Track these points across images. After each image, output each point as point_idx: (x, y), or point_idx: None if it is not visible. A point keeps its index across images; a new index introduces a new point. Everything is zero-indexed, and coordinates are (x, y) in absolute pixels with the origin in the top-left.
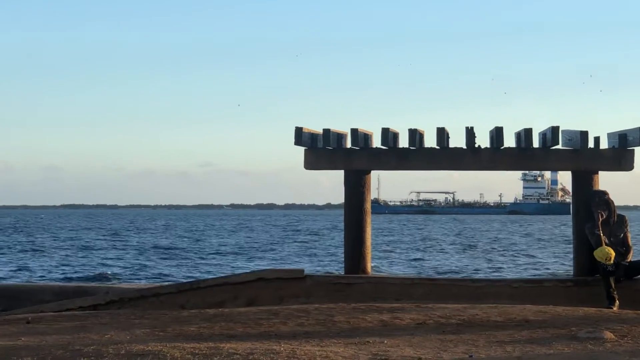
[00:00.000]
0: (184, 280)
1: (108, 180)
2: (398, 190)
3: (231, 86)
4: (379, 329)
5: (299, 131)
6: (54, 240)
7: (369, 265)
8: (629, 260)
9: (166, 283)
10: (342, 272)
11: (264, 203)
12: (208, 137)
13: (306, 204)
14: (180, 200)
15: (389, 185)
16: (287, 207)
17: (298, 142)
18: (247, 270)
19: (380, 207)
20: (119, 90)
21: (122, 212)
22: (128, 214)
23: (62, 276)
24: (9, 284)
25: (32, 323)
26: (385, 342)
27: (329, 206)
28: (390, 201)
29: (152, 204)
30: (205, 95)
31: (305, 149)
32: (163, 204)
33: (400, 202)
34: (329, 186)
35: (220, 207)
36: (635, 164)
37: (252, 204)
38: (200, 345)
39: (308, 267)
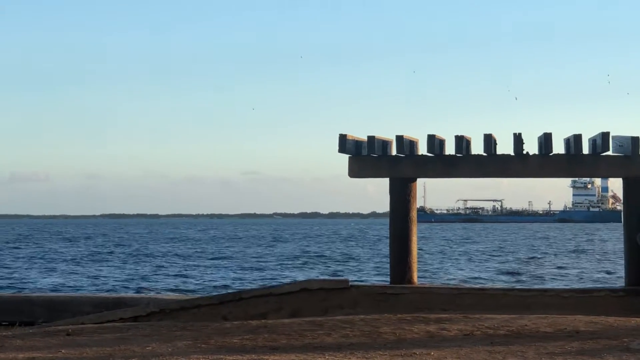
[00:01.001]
0: (225, 292)
1: (149, 189)
2: (444, 199)
3: (275, 94)
4: (425, 340)
5: (343, 138)
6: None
7: (415, 275)
8: None
9: (207, 295)
10: (387, 282)
11: (308, 212)
12: (252, 144)
13: (351, 212)
14: (223, 209)
15: (435, 193)
16: (332, 215)
17: (342, 149)
18: (291, 281)
19: (427, 216)
20: (162, 98)
21: (172, 222)
22: (185, 224)
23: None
24: (48, 294)
25: (72, 335)
26: (432, 353)
27: (374, 215)
28: (437, 209)
29: (194, 213)
30: (248, 103)
31: (349, 157)
32: (205, 213)
33: (447, 210)
34: (375, 194)
35: (270, 216)
36: None
37: (295, 212)
38: (243, 357)
39: (353, 277)
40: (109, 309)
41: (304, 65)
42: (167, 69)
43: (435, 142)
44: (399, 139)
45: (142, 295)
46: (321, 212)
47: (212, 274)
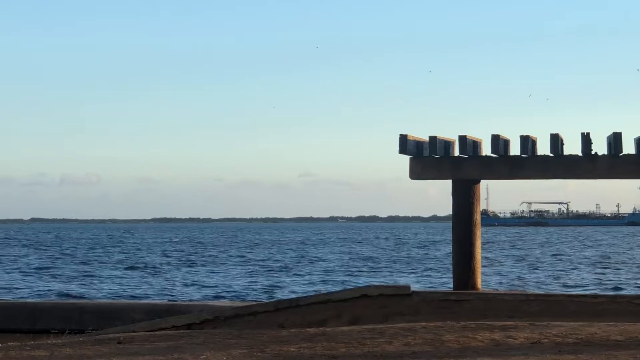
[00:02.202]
0: (281, 299)
1: (202, 192)
2: (508, 201)
3: (333, 94)
4: (490, 349)
5: (403, 139)
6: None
7: (479, 281)
8: None
9: (263, 301)
10: (450, 288)
11: (366, 215)
12: (309, 146)
13: (410, 215)
14: (278, 213)
15: (498, 195)
16: (391, 219)
17: (403, 150)
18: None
19: (489, 219)
20: (217, 99)
21: (225, 226)
22: (254, 228)
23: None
24: (99, 301)
25: (123, 343)
26: None
27: (435, 218)
28: (500, 212)
29: (247, 217)
30: (305, 103)
31: (410, 158)
32: (259, 217)
33: (511, 213)
34: (436, 197)
35: (334, 219)
36: None
37: (353, 216)
38: None
39: (413, 283)
40: (160, 317)
41: (363, 65)
42: (221, 70)
43: (499, 142)
44: (462, 139)
45: (195, 302)
46: (380, 215)
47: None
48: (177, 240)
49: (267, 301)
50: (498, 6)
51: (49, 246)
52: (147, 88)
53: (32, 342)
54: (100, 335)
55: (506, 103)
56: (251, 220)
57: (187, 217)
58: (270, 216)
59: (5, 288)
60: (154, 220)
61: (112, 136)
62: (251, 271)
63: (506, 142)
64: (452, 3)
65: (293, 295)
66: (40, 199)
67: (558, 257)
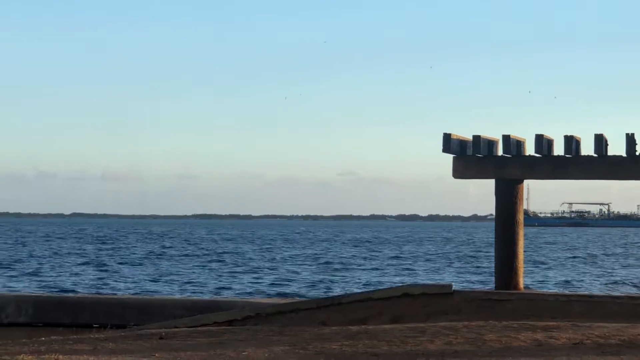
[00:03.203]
0: (324, 296)
1: (243, 189)
2: (548, 201)
3: (375, 92)
4: (532, 349)
5: (447, 138)
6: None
7: (521, 280)
8: None
9: (305, 299)
10: (492, 288)
11: (407, 214)
12: (350, 144)
13: (451, 215)
14: (318, 210)
15: (539, 195)
16: (431, 218)
17: (446, 149)
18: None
19: (530, 219)
20: (258, 96)
21: (266, 223)
22: (295, 225)
23: None
24: (141, 297)
25: (165, 339)
26: None
27: (475, 217)
28: (541, 212)
29: (288, 214)
30: (347, 101)
31: (453, 157)
32: (299, 215)
33: (552, 213)
34: (476, 196)
35: (383, 217)
36: None
37: (394, 214)
38: None
39: (454, 282)
40: (202, 313)
41: (406, 63)
42: (261, 66)
43: (543, 142)
44: (506, 138)
45: (237, 298)
46: (420, 214)
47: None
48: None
49: (309, 299)
50: (541, 7)
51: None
52: (188, 83)
53: (75, 337)
54: (142, 331)
55: (547, 103)
56: (292, 217)
57: (228, 214)
58: (311, 214)
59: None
60: (194, 216)
61: (153, 132)
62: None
63: (550, 142)
64: (496, 3)
65: None
66: (82, 194)
67: None
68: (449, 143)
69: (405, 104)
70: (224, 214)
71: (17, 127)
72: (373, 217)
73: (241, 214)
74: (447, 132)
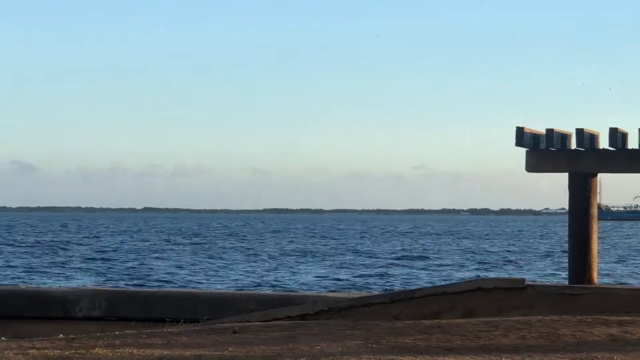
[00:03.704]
0: (397, 290)
1: (315, 184)
2: (620, 195)
3: (446, 86)
4: (607, 344)
5: (520, 131)
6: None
7: (595, 275)
8: None
9: (377, 293)
10: (565, 282)
11: (478, 208)
12: (422, 138)
13: (522, 209)
14: (389, 204)
15: (611, 189)
16: (502, 212)
17: (519, 143)
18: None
19: (602, 213)
20: (329, 90)
21: (338, 217)
22: (369, 220)
23: None
24: (213, 291)
25: (238, 333)
26: (615, 357)
27: (547, 212)
28: (613, 206)
29: (359, 209)
30: (420, 95)
31: (526, 151)
32: (370, 209)
33: (624, 207)
34: (548, 190)
35: (455, 211)
36: None
37: (465, 208)
38: (416, 358)
39: (526, 276)
40: (274, 307)
41: (477, 57)
42: (329, 59)
43: (617, 136)
44: (579, 132)
45: (309, 293)
46: (491, 208)
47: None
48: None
49: (382, 292)
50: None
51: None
52: (257, 79)
53: (148, 331)
54: (215, 325)
55: (622, 96)
56: (362, 211)
57: (299, 208)
58: (382, 208)
59: None
60: (266, 210)
61: (225, 127)
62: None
63: (624, 135)
64: None
65: None
66: (153, 189)
67: None
68: (522, 136)
69: (478, 97)
70: (295, 208)
71: (93, 122)
72: (444, 211)
73: (312, 208)
74: (520, 125)
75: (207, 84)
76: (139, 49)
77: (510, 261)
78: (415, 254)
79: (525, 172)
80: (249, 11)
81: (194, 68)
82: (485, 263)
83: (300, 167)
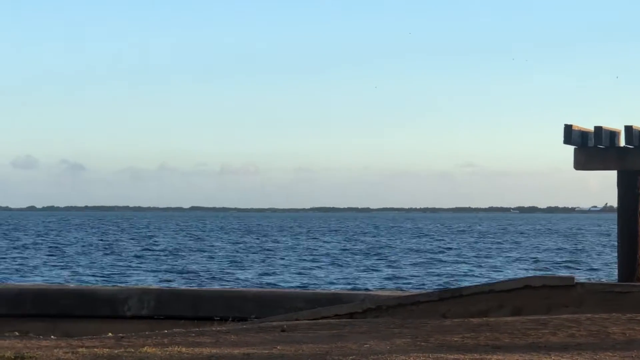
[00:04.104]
0: (445, 288)
1: (362, 182)
2: None
3: (494, 82)
4: None
5: (568, 129)
6: None
7: None
8: None
9: (425, 291)
10: (615, 280)
11: (525, 206)
12: (470, 136)
13: (570, 207)
14: (436, 203)
15: None
16: (550, 210)
17: (567, 140)
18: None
19: None
20: (376, 89)
21: (386, 215)
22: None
23: None
24: (261, 290)
25: (287, 331)
26: None
27: (594, 209)
28: None
29: (406, 207)
30: (467, 91)
31: (575, 148)
32: (418, 207)
33: None
34: (596, 188)
35: (507, 210)
36: None
37: (512, 206)
38: (464, 356)
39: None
40: (322, 305)
41: (526, 56)
42: (374, 58)
43: None
44: (628, 129)
45: (357, 291)
46: (539, 206)
47: None
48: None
49: (430, 291)
50: None
51: None
52: (302, 78)
53: (197, 329)
54: (263, 323)
55: None
56: (410, 210)
57: (346, 207)
58: (429, 206)
59: None
60: (313, 209)
61: (271, 126)
62: None
63: None
64: None
65: None
66: (201, 188)
67: None
68: (570, 134)
69: (527, 95)
70: (342, 207)
71: (140, 122)
72: (492, 209)
73: (359, 206)
74: (568, 123)
75: (253, 83)
76: (185, 49)
77: (561, 258)
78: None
79: (574, 169)
80: (302, 9)
81: (236, 67)
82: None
83: (347, 165)
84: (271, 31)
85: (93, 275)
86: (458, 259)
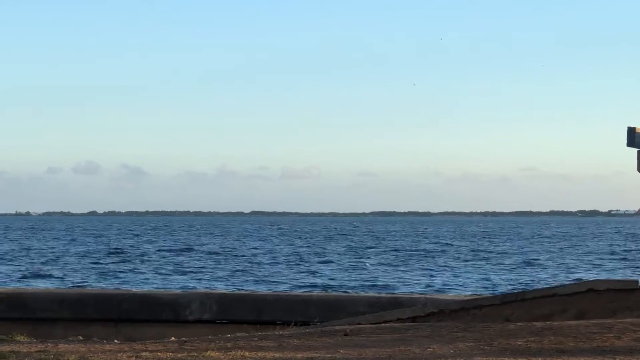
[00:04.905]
0: (508, 292)
1: (422, 186)
2: None
3: (555, 85)
4: None
5: (631, 131)
6: None
7: None
8: None
9: (487, 294)
10: None
11: (587, 210)
12: (531, 139)
13: (632, 210)
14: (497, 206)
15: None
16: (611, 214)
17: (631, 143)
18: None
19: None
20: (432, 92)
21: (446, 220)
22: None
23: None
24: (323, 294)
25: (350, 335)
26: None
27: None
28: None
29: (467, 211)
30: (526, 95)
31: (638, 151)
32: (478, 211)
33: None
34: None
35: (567, 213)
36: None
37: (573, 210)
38: None
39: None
40: (384, 309)
41: (590, 58)
42: (436, 61)
43: None
44: None
45: (418, 295)
46: (600, 210)
47: None
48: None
49: (493, 294)
50: None
51: None
52: (360, 79)
53: (260, 333)
54: (326, 327)
55: None
56: (471, 214)
57: (407, 211)
58: (490, 210)
59: None
60: (373, 213)
61: (332, 129)
62: None
63: None
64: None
65: None
66: (261, 192)
67: None
68: (634, 137)
69: (585, 97)
70: (402, 211)
71: (200, 126)
72: (552, 213)
73: (420, 210)
74: (631, 125)
75: (313, 86)
76: (235, 51)
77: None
78: None
79: (637, 172)
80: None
81: (296, 70)
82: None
83: (407, 169)
84: (321, 33)
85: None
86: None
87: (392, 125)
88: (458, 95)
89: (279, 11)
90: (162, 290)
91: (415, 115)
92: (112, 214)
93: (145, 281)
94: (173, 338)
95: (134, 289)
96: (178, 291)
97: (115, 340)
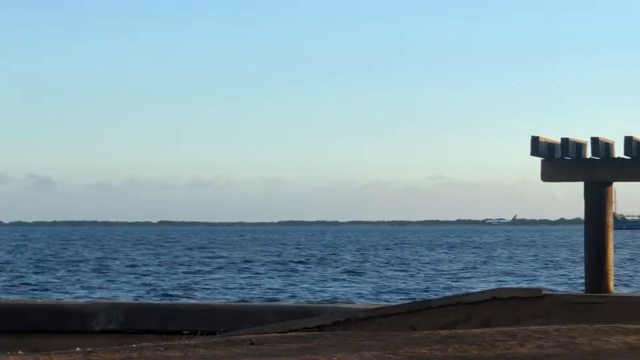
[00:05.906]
0: (413, 301)
1: (331, 195)
2: (636, 204)
3: (463, 96)
4: (624, 352)
5: (535, 141)
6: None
7: (612, 284)
8: None
9: (394, 303)
10: (582, 291)
11: (493, 218)
12: (439, 148)
13: (537, 219)
14: (405, 216)
15: (626, 197)
16: (516, 222)
17: (534, 152)
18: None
19: (618, 222)
20: (347, 101)
21: (353, 229)
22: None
23: None
24: (230, 303)
25: (255, 344)
26: None
27: (562, 221)
28: (628, 215)
29: (374, 220)
30: (435, 103)
31: (542, 160)
32: (386, 220)
33: (639, 216)
34: (563, 200)
35: (477, 222)
36: None
37: (479, 219)
38: None
39: (544, 285)
40: (292, 318)
41: (497, 69)
42: (349, 71)
43: (632, 144)
44: (594, 140)
45: (326, 304)
46: (506, 218)
47: None
48: None
49: (400, 303)
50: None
51: None
52: (276, 90)
53: (165, 343)
54: (232, 337)
55: (635, 103)
56: (378, 223)
57: (314, 220)
58: (397, 219)
59: None
60: (281, 223)
61: (241, 138)
62: None
63: (639, 144)
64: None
65: None
66: (169, 202)
67: None
68: (537, 146)
69: (493, 107)
70: (310, 220)
71: (110, 135)
72: (460, 221)
73: (327, 220)
74: (535, 135)
75: (223, 94)
76: (146, 59)
77: (531, 271)
78: None
79: (541, 181)
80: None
81: (213, 80)
82: (506, 273)
83: (315, 178)
84: (234, 39)
85: None
86: None
87: (302, 133)
88: (368, 103)
89: (216, 15)
90: (68, 300)
91: (325, 124)
92: (19, 224)
93: (57, 291)
94: (78, 349)
95: (40, 299)
96: (84, 301)
97: (20, 352)
